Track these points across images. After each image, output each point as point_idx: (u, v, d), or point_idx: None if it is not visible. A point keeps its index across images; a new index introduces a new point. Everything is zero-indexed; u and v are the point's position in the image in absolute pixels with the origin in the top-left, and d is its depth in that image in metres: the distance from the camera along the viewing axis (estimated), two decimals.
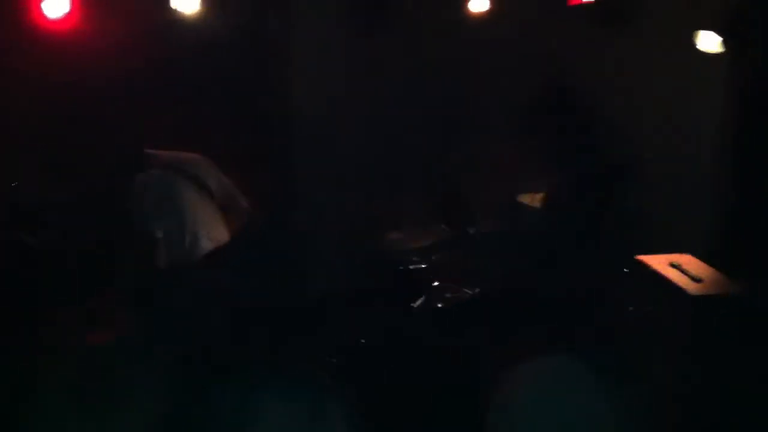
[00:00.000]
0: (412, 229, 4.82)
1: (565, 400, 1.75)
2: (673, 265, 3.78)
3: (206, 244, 4.10)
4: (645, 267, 3.82)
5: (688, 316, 3.66)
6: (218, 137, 4.52)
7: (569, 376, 1.85)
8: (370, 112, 4.96)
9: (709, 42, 4.33)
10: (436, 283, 4.29)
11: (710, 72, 4.49)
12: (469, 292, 4.22)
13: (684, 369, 3.55)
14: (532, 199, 4.81)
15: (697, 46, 4.41)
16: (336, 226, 5.03)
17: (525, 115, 4.49)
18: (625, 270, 3.91)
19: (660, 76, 4.72)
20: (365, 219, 4.88)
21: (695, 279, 3.69)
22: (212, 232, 4.15)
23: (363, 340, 4.44)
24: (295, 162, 4.99)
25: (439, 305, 4.19)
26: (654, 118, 4.75)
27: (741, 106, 4.33)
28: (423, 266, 4.44)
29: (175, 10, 4.23)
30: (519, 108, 4.58)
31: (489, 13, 5.00)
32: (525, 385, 1.87)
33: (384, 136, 5.05)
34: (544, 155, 4.41)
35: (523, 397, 1.85)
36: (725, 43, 4.21)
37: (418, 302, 4.25)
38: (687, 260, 3.85)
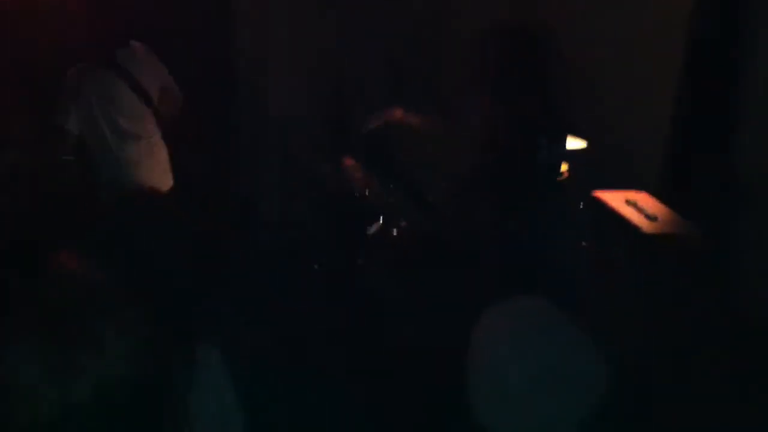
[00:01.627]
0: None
1: (522, 341, 1.69)
2: (628, 203, 3.75)
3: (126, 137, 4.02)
4: (601, 203, 3.78)
5: (641, 254, 3.64)
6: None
7: (524, 314, 1.79)
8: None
9: None
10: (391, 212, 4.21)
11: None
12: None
13: (636, 307, 3.55)
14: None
15: None
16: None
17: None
18: (580, 206, 3.87)
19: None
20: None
21: (650, 217, 3.66)
22: (136, 125, 4.04)
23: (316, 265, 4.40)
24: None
25: (394, 232, 4.13)
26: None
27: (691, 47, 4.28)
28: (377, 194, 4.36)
29: None
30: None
31: None
32: (481, 324, 1.80)
33: None
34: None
35: (480, 335, 1.79)
36: None
37: (373, 228, 4.19)
38: (643, 198, 3.82)
